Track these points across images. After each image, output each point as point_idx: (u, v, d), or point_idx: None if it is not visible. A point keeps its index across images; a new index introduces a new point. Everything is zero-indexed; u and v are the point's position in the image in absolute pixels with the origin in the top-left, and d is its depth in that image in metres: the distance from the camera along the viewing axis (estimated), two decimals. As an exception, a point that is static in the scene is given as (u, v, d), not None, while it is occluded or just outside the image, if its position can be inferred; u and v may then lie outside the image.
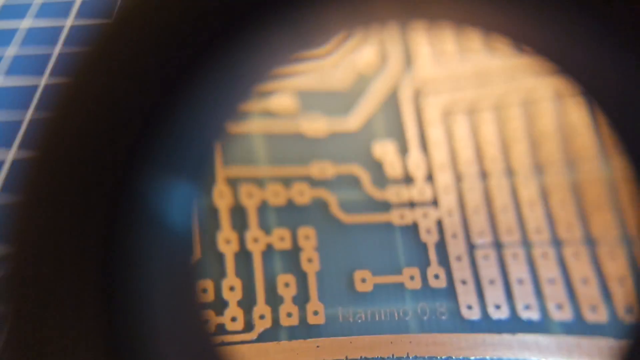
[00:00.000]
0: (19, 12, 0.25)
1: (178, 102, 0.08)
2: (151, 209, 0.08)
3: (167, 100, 0.08)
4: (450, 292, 0.16)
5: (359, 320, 0.15)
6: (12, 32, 0.24)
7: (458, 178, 0.17)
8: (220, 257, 0.15)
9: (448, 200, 0.17)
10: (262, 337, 0.15)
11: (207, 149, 0.09)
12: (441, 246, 0.16)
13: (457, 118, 0.17)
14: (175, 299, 0.08)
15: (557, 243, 0.17)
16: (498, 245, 0.16)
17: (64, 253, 0.07)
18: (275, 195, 0.16)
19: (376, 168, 0.17)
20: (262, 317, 0.15)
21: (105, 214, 0.08)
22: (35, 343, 0.07)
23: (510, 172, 0.17)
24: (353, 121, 0.17)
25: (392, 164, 0.17)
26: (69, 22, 0.25)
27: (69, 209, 0.07)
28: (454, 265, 0.16)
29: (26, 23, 0.25)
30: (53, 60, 0.23)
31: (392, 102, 0.17)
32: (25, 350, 0.07)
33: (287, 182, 0.16)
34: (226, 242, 0.15)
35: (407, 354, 0.15)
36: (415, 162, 0.17)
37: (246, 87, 0.09)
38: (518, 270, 0.16)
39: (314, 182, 0.16)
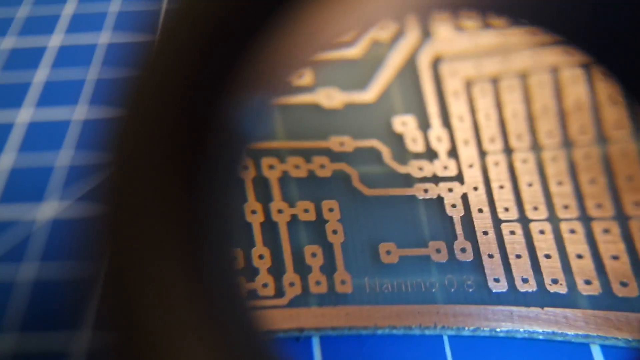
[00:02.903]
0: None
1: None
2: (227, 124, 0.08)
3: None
4: (477, 265, 0.16)
5: (386, 291, 0.15)
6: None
7: (482, 152, 0.16)
8: (247, 227, 0.15)
9: (472, 175, 0.16)
10: (293, 303, 0.15)
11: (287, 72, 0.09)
12: (467, 220, 0.16)
13: (480, 87, 0.17)
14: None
15: (586, 219, 0.16)
16: (525, 220, 0.16)
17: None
18: (296, 168, 0.16)
19: (396, 142, 0.17)
20: (291, 284, 0.15)
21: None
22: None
23: (537, 145, 0.17)
24: (370, 92, 0.17)
25: (412, 138, 0.17)
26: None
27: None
28: (481, 239, 0.16)
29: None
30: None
31: (410, 71, 0.17)
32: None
33: (307, 155, 0.16)
34: (252, 212, 0.16)
35: (434, 324, 0.15)
36: (437, 135, 0.17)
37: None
38: (545, 245, 0.16)
39: (334, 156, 0.16)
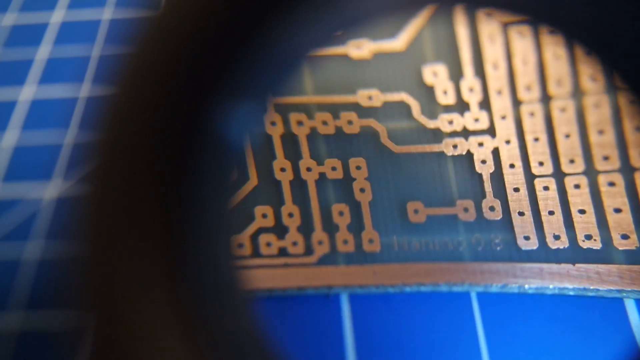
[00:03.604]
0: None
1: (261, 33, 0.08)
2: (215, 130, 0.08)
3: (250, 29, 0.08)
4: (506, 223, 0.15)
5: (414, 249, 0.15)
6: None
7: (517, 102, 0.15)
8: (277, 184, 0.15)
9: (505, 127, 0.15)
10: (322, 261, 0.15)
11: (280, 77, 0.08)
12: (497, 177, 0.15)
13: (518, 28, 0.16)
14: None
15: (627, 170, 0.15)
16: (559, 175, 0.15)
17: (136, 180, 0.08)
18: (324, 125, 0.16)
19: (426, 95, 0.16)
20: (320, 242, 0.15)
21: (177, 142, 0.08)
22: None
23: (578, 91, 0.15)
24: (400, 39, 0.16)
25: (443, 90, 0.16)
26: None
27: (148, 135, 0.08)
28: (511, 196, 0.15)
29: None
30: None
31: (443, 14, 0.16)
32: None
33: (335, 111, 0.16)
34: (281, 169, 0.15)
35: (462, 280, 0.15)
36: (469, 85, 0.16)
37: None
38: (580, 200, 0.15)
39: (362, 112, 0.16)
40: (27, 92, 0.20)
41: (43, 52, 0.21)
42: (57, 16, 0.22)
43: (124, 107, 0.07)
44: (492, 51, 0.16)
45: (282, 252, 0.15)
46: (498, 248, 0.15)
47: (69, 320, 0.08)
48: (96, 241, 0.07)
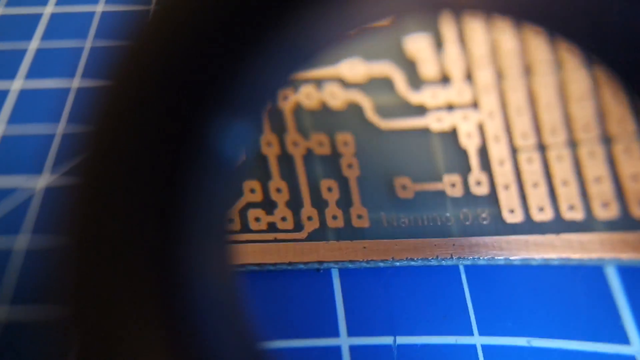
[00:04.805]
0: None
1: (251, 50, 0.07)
2: (210, 146, 0.07)
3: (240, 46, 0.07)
4: (492, 197, 0.15)
5: (403, 225, 0.15)
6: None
7: (499, 75, 0.15)
8: (264, 159, 0.15)
9: (489, 101, 0.15)
10: (312, 237, 0.15)
11: (268, 96, 0.08)
12: (482, 151, 0.15)
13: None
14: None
15: (606, 140, 0.15)
16: (542, 147, 0.15)
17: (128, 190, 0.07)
18: (309, 98, 0.15)
19: (410, 67, 0.15)
20: (309, 218, 0.15)
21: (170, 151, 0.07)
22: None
23: (557, 64, 0.15)
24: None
25: (426, 62, 0.15)
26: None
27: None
28: (496, 170, 0.15)
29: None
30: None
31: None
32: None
33: (318, 84, 0.15)
34: (268, 144, 0.15)
35: (451, 255, 0.15)
36: (452, 57, 0.15)
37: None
38: (563, 171, 0.15)
39: (346, 85, 0.15)
40: (18, 84, 0.19)
41: (34, 44, 0.21)
42: (49, 9, 0.22)
43: (116, 99, 0.07)
44: (475, 32, 0.16)
45: (272, 227, 0.15)
46: (485, 222, 0.15)
47: (54, 313, 0.07)
48: (82, 233, 0.07)
